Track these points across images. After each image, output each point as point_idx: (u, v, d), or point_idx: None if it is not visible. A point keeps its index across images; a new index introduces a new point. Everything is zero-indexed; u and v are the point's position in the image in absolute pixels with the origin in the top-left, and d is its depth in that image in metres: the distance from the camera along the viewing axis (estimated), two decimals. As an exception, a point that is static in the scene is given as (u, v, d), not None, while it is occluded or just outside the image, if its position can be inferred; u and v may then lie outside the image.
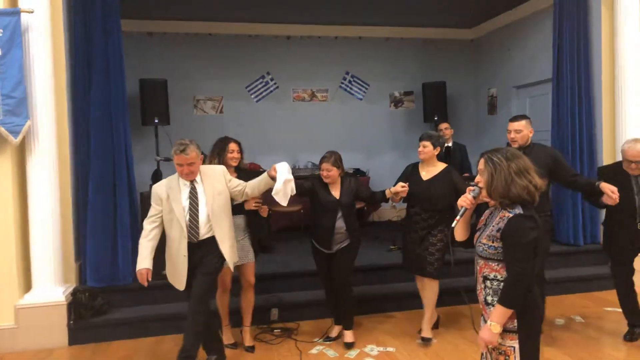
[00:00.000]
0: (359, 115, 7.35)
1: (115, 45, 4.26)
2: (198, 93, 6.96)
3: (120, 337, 3.98)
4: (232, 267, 3.35)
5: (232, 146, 3.65)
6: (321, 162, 3.65)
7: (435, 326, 3.93)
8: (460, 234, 2.26)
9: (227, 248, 3.23)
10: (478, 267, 2.14)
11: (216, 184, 3.22)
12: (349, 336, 3.73)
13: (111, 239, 4.23)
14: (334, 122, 7.31)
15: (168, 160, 5.86)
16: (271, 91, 7.18)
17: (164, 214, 3.15)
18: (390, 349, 3.66)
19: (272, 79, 7.16)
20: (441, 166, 3.77)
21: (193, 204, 3.15)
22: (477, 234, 2.17)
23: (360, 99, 7.45)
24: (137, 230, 4.21)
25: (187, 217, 3.13)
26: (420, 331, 3.76)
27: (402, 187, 3.59)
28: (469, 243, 2.26)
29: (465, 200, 2.16)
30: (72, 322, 3.91)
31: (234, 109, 7.05)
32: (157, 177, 6.00)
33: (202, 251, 3.16)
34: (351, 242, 3.70)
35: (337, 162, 3.64)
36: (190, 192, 3.16)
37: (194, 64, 6.85)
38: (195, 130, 6.76)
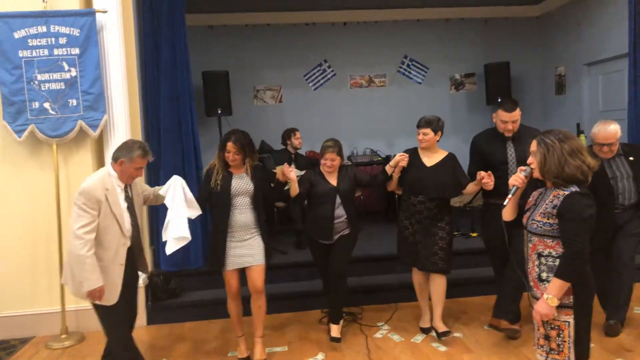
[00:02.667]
0: (418, 99, 7.22)
1: (181, 39, 4.43)
2: (258, 83, 7.10)
3: (193, 319, 4.19)
4: (147, 273, 3.33)
5: (229, 146, 3.26)
6: (325, 151, 3.56)
7: None
8: (509, 213, 2.35)
9: (143, 253, 3.12)
10: (531, 245, 2.21)
11: (138, 188, 3.10)
12: (335, 330, 3.55)
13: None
14: (392, 107, 7.23)
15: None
16: (328, 79, 7.20)
17: (101, 219, 2.77)
18: (457, 335, 3.62)
19: (329, 67, 7.17)
20: (443, 153, 3.61)
21: (131, 207, 2.96)
22: (527, 213, 2.24)
23: (420, 83, 7.31)
24: (205, 218, 4.40)
25: (128, 221, 2.92)
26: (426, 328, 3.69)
27: (400, 156, 3.49)
28: (515, 223, 2.35)
29: (517, 179, 2.26)
30: (149, 303, 4.16)
31: (292, 97, 7.13)
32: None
33: (133, 259, 3.02)
34: (351, 231, 3.61)
35: (340, 151, 3.61)
36: (126, 196, 2.95)
37: (254, 54, 6.98)
38: (255, 120, 6.95)
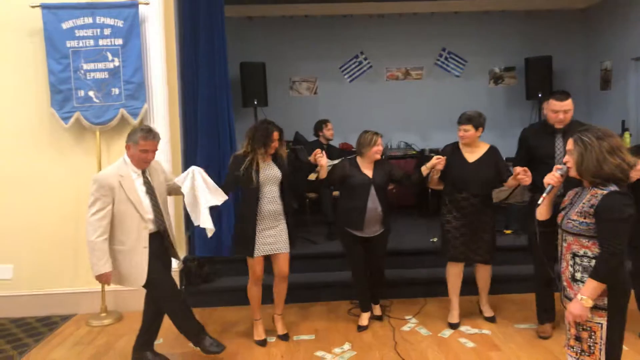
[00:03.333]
0: (455, 93, 7.09)
1: (219, 29, 4.50)
2: (294, 75, 7.15)
3: (224, 304, 4.30)
4: (177, 260, 3.37)
5: (276, 136, 3.40)
6: (374, 135, 3.64)
7: None
8: (544, 212, 2.30)
9: (173, 242, 3.21)
10: (565, 245, 2.16)
11: (160, 176, 3.18)
12: (377, 309, 3.86)
13: (216, 213, 4.54)
14: (428, 100, 7.15)
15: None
16: (364, 71, 7.18)
17: (117, 205, 2.91)
18: (485, 332, 3.60)
19: (365, 59, 7.14)
20: (485, 146, 3.61)
21: (150, 192, 3.05)
22: (562, 212, 2.20)
23: (458, 76, 7.19)
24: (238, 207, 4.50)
25: (150, 206, 3.02)
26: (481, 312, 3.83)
27: (437, 159, 3.48)
28: (550, 222, 2.30)
29: (552, 178, 2.20)
30: (183, 287, 4.30)
31: (328, 89, 7.15)
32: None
33: (164, 242, 3.14)
34: (386, 228, 3.70)
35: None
36: (145, 182, 3.05)
37: (290, 46, 7.02)
38: (291, 111, 7.01)
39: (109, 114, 4.10)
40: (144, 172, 3.05)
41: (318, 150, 3.49)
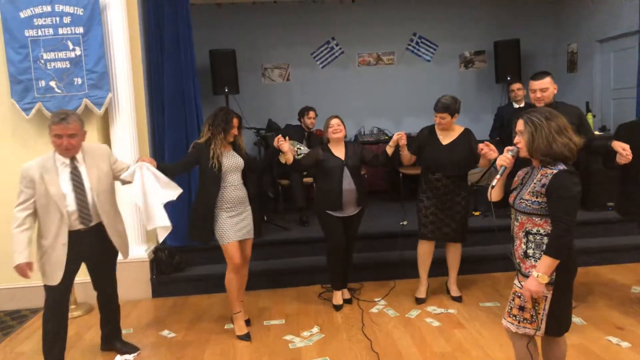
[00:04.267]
0: (427, 77, 7.15)
1: (183, 17, 4.44)
2: (265, 61, 7.10)
3: (197, 292, 4.32)
4: (124, 256, 3.17)
5: (236, 122, 3.38)
6: (330, 119, 3.76)
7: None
8: (497, 194, 2.38)
9: (116, 236, 3.02)
10: (518, 223, 2.24)
11: (101, 164, 2.95)
12: (346, 293, 3.95)
13: (186, 203, 4.53)
14: (400, 85, 7.18)
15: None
16: (336, 56, 7.16)
17: (37, 197, 2.79)
18: (451, 311, 3.68)
19: (337, 44, 7.13)
20: (459, 129, 3.72)
21: (78, 185, 2.84)
22: (514, 193, 2.28)
23: (429, 61, 7.24)
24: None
25: (74, 201, 2.83)
26: (448, 291, 3.95)
27: (397, 135, 3.58)
28: (503, 203, 2.40)
29: (505, 160, 2.27)
30: (154, 277, 4.30)
31: (300, 76, 7.13)
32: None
33: (91, 240, 2.92)
34: (362, 208, 3.81)
35: (343, 123, 3.78)
36: (72, 173, 2.84)
37: (261, 32, 6.97)
38: (263, 98, 6.99)
39: (72, 104, 4.03)
40: (72, 162, 2.86)
41: (279, 137, 3.50)
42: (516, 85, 5.50)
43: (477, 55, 7.27)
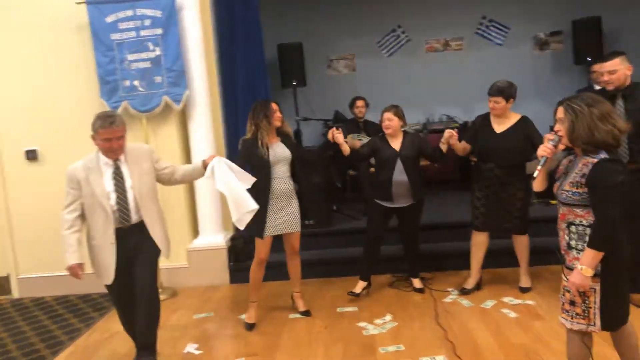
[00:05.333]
0: (498, 62, 6.87)
1: (253, 16, 4.59)
2: (331, 53, 7.15)
3: (271, 279, 4.43)
4: (165, 256, 3.09)
5: (275, 106, 3.45)
6: (382, 112, 3.72)
7: (478, 287, 3.83)
8: (540, 184, 2.29)
9: (158, 234, 2.98)
10: (560, 214, 2.16)
11: (143, 163, 2.94)
12: (417, 283, 3.95)
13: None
14: (470, 71, 6.96)
15: (307, 119, 6.23)
16: (402, 44, 7.08)
17: (84, 198, 2.84)
18: (529, 302, 3.57)
19: (403, 32, 7.04)
20: (515, 117, 3.53)
21: (119, 185, 2.87)
22: (557, 183, 2.18)
23: (500, 44, 6.96)
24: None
25: (115, 200, 2.85)
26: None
27: (448, 133, 3.48)
28: (547, 193, 2.33)
29: (545, 150, 2.19)
30: (232, 264, 4.50)
31: (366, 65, 7.11)
32: (297, 136, 6.41)
33: (135, 238, 2.91)
34: (417, 200, 3.73)
35: (399, 113, 3.69)
36: (115, 173, 2.87)
37: (327, 24, 7.01)
38: (330, 90, 7.05)
39: (153, 101, 4.29)
40: (115, 162, 2.88)
41: (333, 129, 3.49)
42: (598, 66, 5.17)
43: (552, 36, 6.90)
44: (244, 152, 3.43)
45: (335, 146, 3.55)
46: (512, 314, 3.42)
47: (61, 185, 4.45)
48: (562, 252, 2.18)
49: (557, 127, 2.15)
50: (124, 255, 2.90)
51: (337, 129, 3.51)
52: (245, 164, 3.32)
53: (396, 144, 3.71)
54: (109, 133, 2.76)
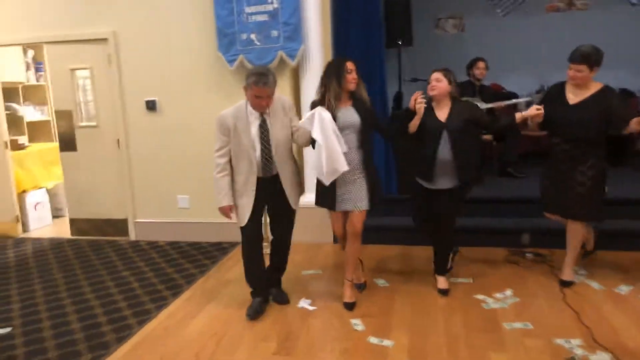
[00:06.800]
0: (629, 24, 6.16)
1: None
2: (439, 12, 6.75)
3: (377, 242, 4.35)
4: (293, 206, 3.15)
5: (351, 65, 2.99)
6: (432, 72, 3.15)
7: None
8: None
9: (289, 186, 3.09)
10: None
11: (283, 116, 3.01)
12: (442, 282, 3.39)
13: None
14: (596, 34, 6.18)
15: (415, 80, 5.98)
16: (520, 3, 6.50)
17: (232, 145, 2.97)
18: (671, 291, 3.23)
19: (522, -11, 6.46)
20: (595, 87, 3.04)
21: (264, 138, 2.96)
22: None
23: (635, 4, 6.19)
24: (389, 147, 4.49)
25: (259, 151, 2.96)
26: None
27: (536, 110, 3.02)
28: None
29: None
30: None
31: (476, 26, 6.66)
32: (399, 98, 6.19)
33: (272, 187, 3.05)
34: (463, 183, 3.16)
35: (449, 75, 3.12)
36: (261, 126, 2.96)
37: (436, -20, 6.60)
38: (436, 51, 6.70)
39: (269, 55, 4.25)
40: (263, 117, 2.97)
41: (417, 93, 3.07)
42: None
43: (701, -6, 6.03)
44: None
45: (410, 117, 3.11)
46: (653, 302, 3.10)
47: (177, 135, 4.65)
48: None
49: None
50: (259, 203, 3.07)
51: (421, 93, 3.06)
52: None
53: (442, 113, 3.14)
54: (260, 92, 2.85)
